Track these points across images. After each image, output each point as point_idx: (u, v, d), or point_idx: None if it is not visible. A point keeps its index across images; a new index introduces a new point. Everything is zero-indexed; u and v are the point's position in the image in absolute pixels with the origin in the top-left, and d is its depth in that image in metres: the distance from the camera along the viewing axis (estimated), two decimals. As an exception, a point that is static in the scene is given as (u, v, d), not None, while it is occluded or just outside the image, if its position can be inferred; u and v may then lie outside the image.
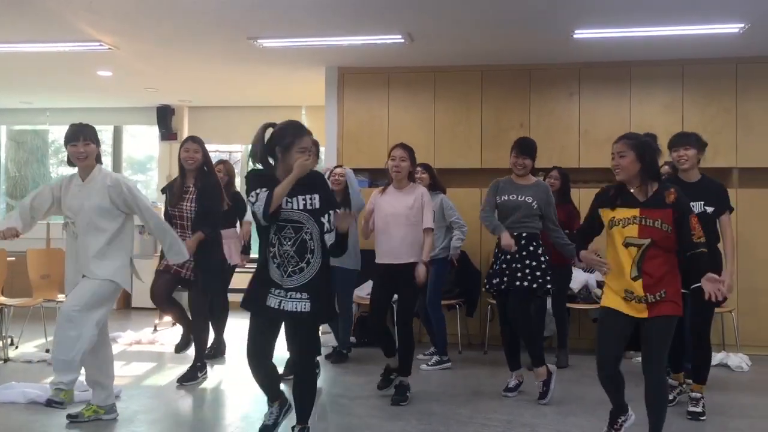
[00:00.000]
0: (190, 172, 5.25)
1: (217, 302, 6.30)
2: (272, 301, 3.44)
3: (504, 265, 4.80)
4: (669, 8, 5.22)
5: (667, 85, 6.76)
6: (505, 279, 4.77)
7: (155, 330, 7.24)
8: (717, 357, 5.75)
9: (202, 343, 5.39)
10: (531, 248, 4.79)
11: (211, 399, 5.01)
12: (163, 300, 5.31)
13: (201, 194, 5.18)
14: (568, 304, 6.15)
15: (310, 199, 3.45)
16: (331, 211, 3.50)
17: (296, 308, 3.42)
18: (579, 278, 6.30)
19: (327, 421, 4.36)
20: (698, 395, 4.44)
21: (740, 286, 6.32)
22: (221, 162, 6.53)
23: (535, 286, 4.76)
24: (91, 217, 4.09)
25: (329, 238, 3.46)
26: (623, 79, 6.82)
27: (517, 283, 4.73)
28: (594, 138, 6.80)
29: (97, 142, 4.25)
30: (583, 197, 6.59)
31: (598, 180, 6.78)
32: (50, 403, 4.12)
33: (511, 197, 4.85)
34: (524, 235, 4.81)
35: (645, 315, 3.44)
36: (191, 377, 5.22)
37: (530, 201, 4.82)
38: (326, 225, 3.47)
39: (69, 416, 4.17)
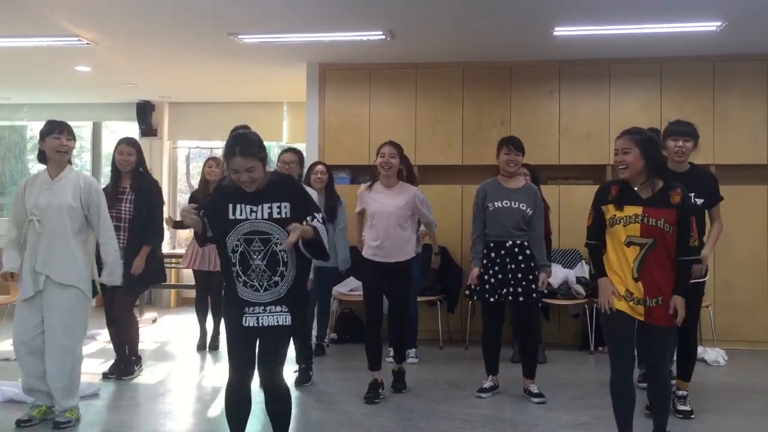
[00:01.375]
0: (125, 174, 5.19)
1: (204, 298, 6.40)
2: (250, 321, 3.20)
3: (508, 276, 4.71)
4: (648, 6, 5.26)
5: (646, 82, 6.81)
6: (511, 291, 4.70)
7: (135, 327, 7.18)
8: (694, 351, 5.82)
9: (134, 340, 5.39)
10: (535, 260, 4.76)
11: (193, 396, 4.99)
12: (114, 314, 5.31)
13: (140, 200, 5.11)
14: (548, 300, 6.19)
15: (278, 207, 3.17)
16: (308, 217, 3.15)
17: (277, 322, 3.19)
18: (559, 274, 6.34)
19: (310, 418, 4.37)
20: (684, 393, 4.44)
21: (717, 281, 6.41)
22: (213, 159, 6.53)
23: (536, 295, 4.79)
24: (60, 217, 4.03)
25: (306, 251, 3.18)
26: (602, 76, 6.87)
27: (534, 296, 4.73)
28: (574, 135, 6.85)
29: (75, 142, 4.23)
30: (563, 193, 6.65)
31: (578, 177, 6.85)
32: (58, 426, 4.04)
33: (504, 203, 4.73)
34: (525, 244, 4.74)
35: (641, 318, 3.38)
36: (127, 372, 5.28)
37: (524, 208, 4.71)
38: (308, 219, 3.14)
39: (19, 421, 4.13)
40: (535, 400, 4.73)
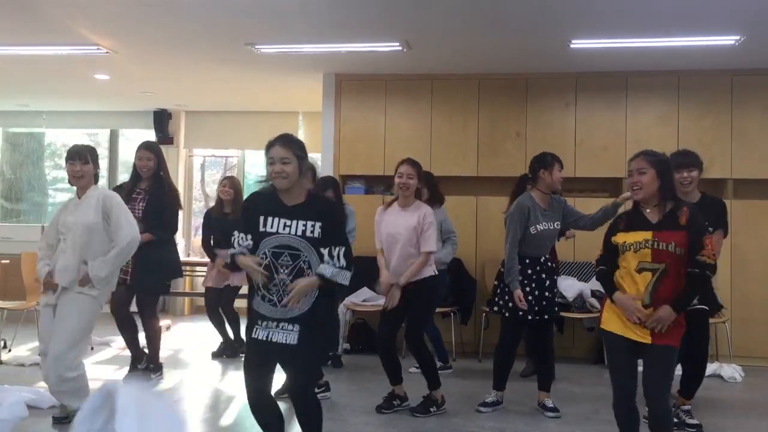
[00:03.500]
0: (145, 179, 5.34)
1: (214, 312, 6.41)
2: (260, 333, 3.21)
3: (538, 292, 4.64)
4: (665, 20, 5.24)
5: (663, 95, 6.78)
6: (545, 305, 4.64)
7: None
8: (710, 368, 5.74)
9: (155, 346, 5.50)
10: (555, 275, 4.77)
11: (205, 404, 5.00)
12: (122, 316, 5.39)
13: (153, 202, 5.24)
14: (563, 313, 6.14)
15: (312, 226, 3.18)
16: (332, 247, 3.19)
17: (285, 340, 3.16)
18: (574, 287, 6.30)
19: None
20: (688, 407, 4.45)
21: (734, 296, 6.35)
22: (228, 178, 6.60)
23: (557, 308, 4.79)
24: (83, 233, 4.17)
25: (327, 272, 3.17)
26: (619, 89, 6.85)
27: (554, 309, 4.73)
28: (590, 147, 6.82)
29: (96, 164, 4.36)
30: (578, 206, 6.53)
31: (593, 189, 6.81)
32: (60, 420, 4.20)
33: (545, 226, 4.62)
34: (548, 256, 4.75)
35: (649, 340, 3.29)
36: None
37: (558, 227, 4.72)
38: (326, 258, 3.18)
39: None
40: (550, 414, 4.68)
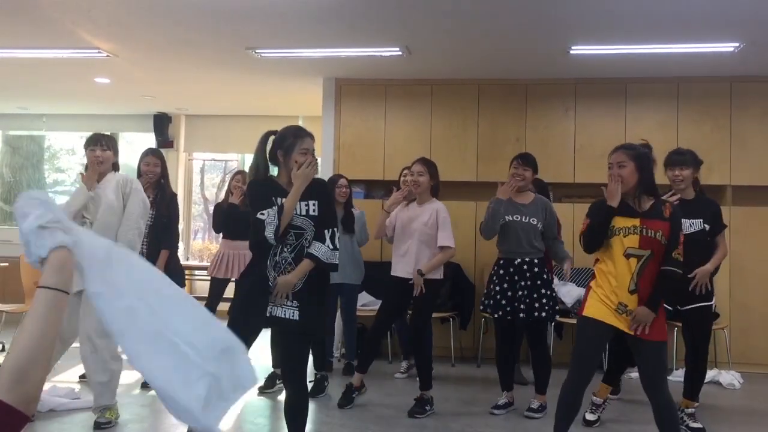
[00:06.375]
0: (149, 185, 5.33)
1: (213, 306, 6.41)
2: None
3: (517, 293, 4.65)
4: (665, 26, 5.26)
5: (662, 102, 6.80)
6: (523, 308, 4.62)
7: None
8: (709, 374, 5.69)
9: None
10: (545, 276, 4.70)
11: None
12: None
13: (161, 209, 5.27)
14: (562, 319, 6.14)
15: (313, 205, 3.35)
16: (326, 228, 3.35)
17: (285, 315, 3.28)
18: (573, 293, 6.30)
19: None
20: (692, 410, 4.47)
21: (733, 303, 6.36)
22: (239, 173, 6.57)
23: (545, 315, 4.69)
24: (104, 213, 4.20)
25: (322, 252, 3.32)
26: (619, 95, 6.86)
27: (536, 314, 4.63)
28: (589, 153, 6.83)
29: (116, 151, 4.41)
30: (577, 212, 6.62)
31: (593, 195, 6.78)
32: (99, 426, 4.22)
33: (515, 218, 4.68)
34: (536, 261, 4.69)
35: (631, 331, 3.37)
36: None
37: (535, 222, 4.68)
38: (327, 239, 3.32)
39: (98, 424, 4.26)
40: (531, 414, 4.75)
